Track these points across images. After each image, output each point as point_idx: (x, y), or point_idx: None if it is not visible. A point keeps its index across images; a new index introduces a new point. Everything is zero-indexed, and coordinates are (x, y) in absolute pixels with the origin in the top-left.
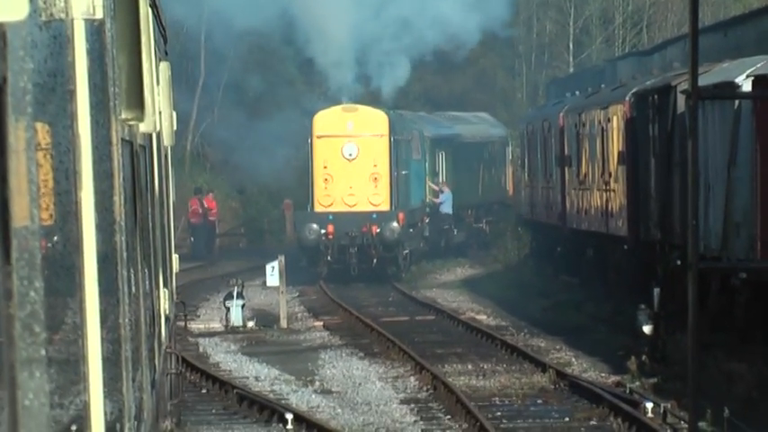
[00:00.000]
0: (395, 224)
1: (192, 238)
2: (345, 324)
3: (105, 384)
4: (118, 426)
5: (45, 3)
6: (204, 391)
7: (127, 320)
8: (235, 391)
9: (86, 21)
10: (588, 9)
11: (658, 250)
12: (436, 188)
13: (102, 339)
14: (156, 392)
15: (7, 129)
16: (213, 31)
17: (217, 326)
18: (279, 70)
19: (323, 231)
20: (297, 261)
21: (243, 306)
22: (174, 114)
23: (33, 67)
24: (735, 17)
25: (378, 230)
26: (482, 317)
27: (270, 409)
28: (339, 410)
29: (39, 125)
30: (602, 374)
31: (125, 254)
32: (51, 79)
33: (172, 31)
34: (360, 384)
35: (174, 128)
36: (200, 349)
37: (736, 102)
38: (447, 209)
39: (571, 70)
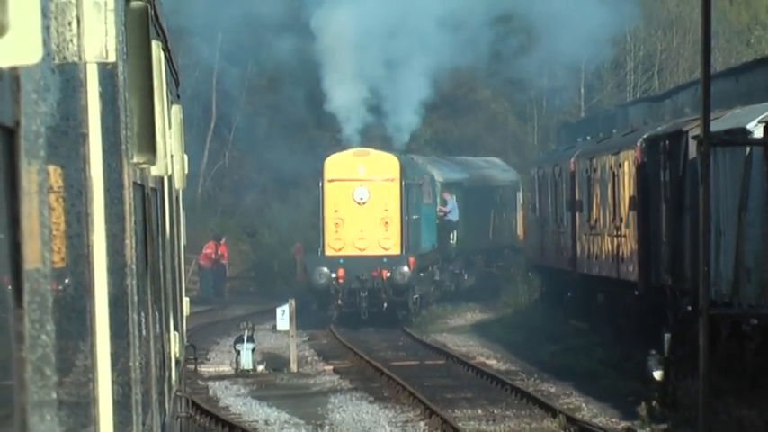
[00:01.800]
0: (405, 268)
1: (202, 282)
2: (355, 368)
3: (115, 428)
4: None
5: (58, 46)
6: None
7: (137, 363)
8: None
9: (99, 64)
10: (600, 54)
11: (669, 295)
12: (445, 210)
13: (113, 382)
14: None
15: (20, 172)
16: (225, 74)
17: (227, 369)
18: (290, 113)
19: (333, 275)
20: (307, 305)
21: (253, 349)
22: (186, 158)
23: (46, 111)
24: (746, 63)
25: (388, 275)
26: (492, 361)
27: None
28: None
29: (51, 168)
30: (613, 420)
31: (136, 297)
32: (64, 122)
33: (184, 74)
34: (369, 429)
35: (186, 171)
36: (211, 392)
37: (748, 148)
38: (454, 216)
39: (582, 115)
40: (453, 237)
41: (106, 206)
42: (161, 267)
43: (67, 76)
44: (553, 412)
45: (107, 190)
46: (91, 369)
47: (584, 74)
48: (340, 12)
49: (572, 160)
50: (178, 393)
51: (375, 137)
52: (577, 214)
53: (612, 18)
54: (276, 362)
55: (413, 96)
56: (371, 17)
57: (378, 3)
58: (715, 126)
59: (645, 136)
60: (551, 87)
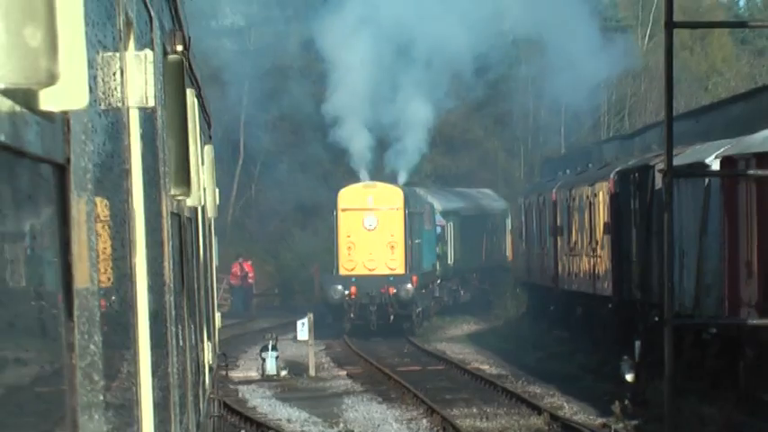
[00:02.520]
0: (409, 286)
1: (232, 298)
2: (366, 373)
3: (156, 427)
4: None
5: (104, 93)
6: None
7: (175, 370)
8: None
9: (140, 109)
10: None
11: (639, 308)
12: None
13: (153, 387)
14: None
15: (70, 203)
16: (251, 118)
17: (254, 374)
18: (308, 151)
19: (346, 292)
20: (324, 318)
21: (277, 357)
22: (217, 190)
23: (93, 149)
24: (704, 106)
25: (394, 291)
26: (485, 366)
27: None
28: None
29: (98, 200)
30: (591, 417)
31: (173, 312)
32: (109, 160)
33: (215, 118)
34: (378, 426)
35: (217, 202)
36: (240, 395)
37: (707, 179)
38: (438, 230)
39: (563, 151)
40: (451, 258)
41: (147, 233)
42: (195, 286)
43: (112, 120)
44: (538, 411)
45: (147, 219)
46: (134, 375)
47: (563, 116)
48: (351, 59)
49: (554, 191)
50: (211, 396)
51: (382, 171)
52: (559, 238)
53: (609, 68)
54: (297, 368)
55: (416, 136)
56: (380, 65)
57: (385, 49)
58: (678, 160)
59: (617, 169)
60: (535, 127)
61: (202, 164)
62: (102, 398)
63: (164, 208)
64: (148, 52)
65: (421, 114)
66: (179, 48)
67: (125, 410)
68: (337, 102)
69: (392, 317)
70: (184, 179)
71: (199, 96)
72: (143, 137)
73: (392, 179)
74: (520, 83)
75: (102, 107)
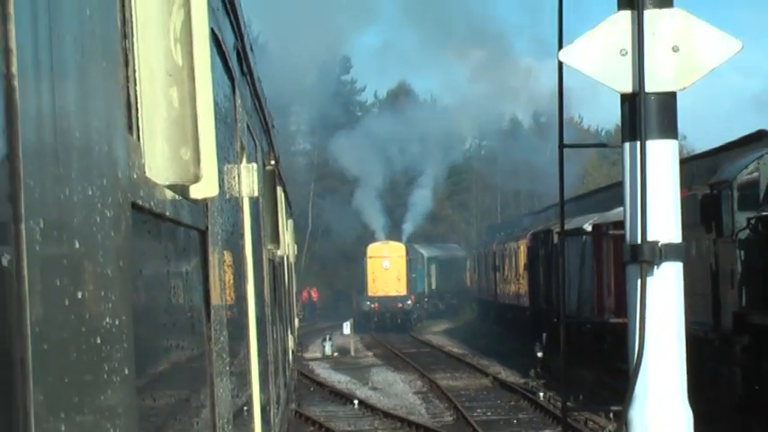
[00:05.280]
0: (409, 302)
1: (304, 310)
2: (384, 353)
3: (260, 387)
4: (267, 407)
5: (228, 188)
6: (311, 389)
7: (271, 352)
8: (327, 388)
9: (249, 198)
10: (507, 189)
11: (545, 313)
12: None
13: (259, 362)
14: (287, 389)
15: (208, 254)
16: (316, 204)
17: (318, 355)
18: (349, 222)
19: (372, 306)
20: (359, 321)
21: (331, 344)
22: (295, 246)
23: (222, 221)
24: (582, 194)
25: (400, 306)
26: (454, 349)
27: (346, 398)
28: (382, 398)
29: (225, 252)
30: (517, 378)
31: (270, 317)
32: (231, 227)
33: (293, 203)
34: (391, 384)
35: (295, 253)
36: (309, 367)
37: (584, 237)
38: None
39: (499, 221)
40: (434, 285)
41: (254, 271)
42: (283, 302)
43: (233, 204)
44: (486, 374)
45: (254, 263)
46: (247, 355)
47: (499, 198)
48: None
49: (494, 245)
50: (292, 368)
51: (393, 234)
52: (497, 272)
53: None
54: (343, 351)
55: (414, 210)
56: (393, 161)
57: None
58: (567, 226)
59: (531, 232)
60: (483, 208)
61: (287, 230)
62: (228, 369)
63: (264, 256)
64: (254, 164)
65: (421, 198)
66: (272, 162)
67: (242, 377)
68: (362, 196)
69: (399, 320)
70: (276, 239)
71: (284, 191)
72: (251, 214)
73: (399, 239)
74: (473, 183)
75: (227, 196)
